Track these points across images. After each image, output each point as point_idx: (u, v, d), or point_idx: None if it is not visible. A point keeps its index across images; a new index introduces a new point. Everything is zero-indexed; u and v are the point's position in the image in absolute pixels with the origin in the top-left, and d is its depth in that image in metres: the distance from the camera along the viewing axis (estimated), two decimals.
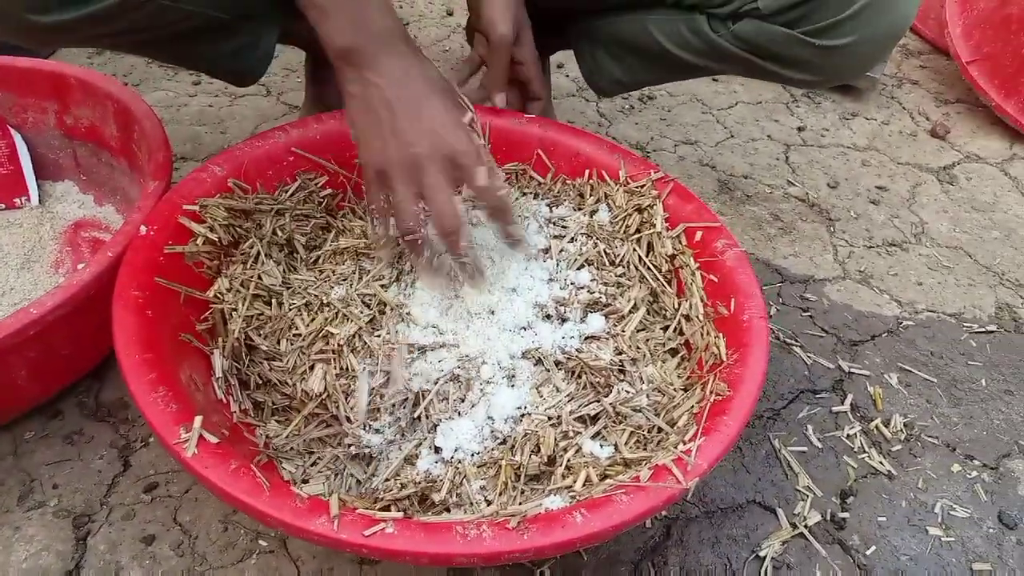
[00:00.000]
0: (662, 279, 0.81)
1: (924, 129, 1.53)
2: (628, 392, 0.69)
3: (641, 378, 0.71)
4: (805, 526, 0.82)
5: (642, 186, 0.86)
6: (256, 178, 0.81)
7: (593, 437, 0.67)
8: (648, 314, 0.79)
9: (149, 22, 0.76)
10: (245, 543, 0.74)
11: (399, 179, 0.66)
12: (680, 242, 0.83)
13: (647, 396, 0.69)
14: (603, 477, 0.62)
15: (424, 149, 0.65)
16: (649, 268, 0.81)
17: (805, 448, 0.90)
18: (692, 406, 0.68)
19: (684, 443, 0.61)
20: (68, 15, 0.69)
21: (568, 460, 0.64)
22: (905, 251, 1.22)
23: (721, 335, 0.73)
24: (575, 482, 0.63)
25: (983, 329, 1.09)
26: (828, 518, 0.83)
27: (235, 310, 0.73)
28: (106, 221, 1.03)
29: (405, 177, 0.66)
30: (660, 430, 0.67)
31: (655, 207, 0.84)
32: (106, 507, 0.76)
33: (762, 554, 0.79)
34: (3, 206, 1.01)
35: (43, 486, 0.78)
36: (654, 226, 0.83)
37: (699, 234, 0.82)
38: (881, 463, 0.89)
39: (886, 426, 0.94)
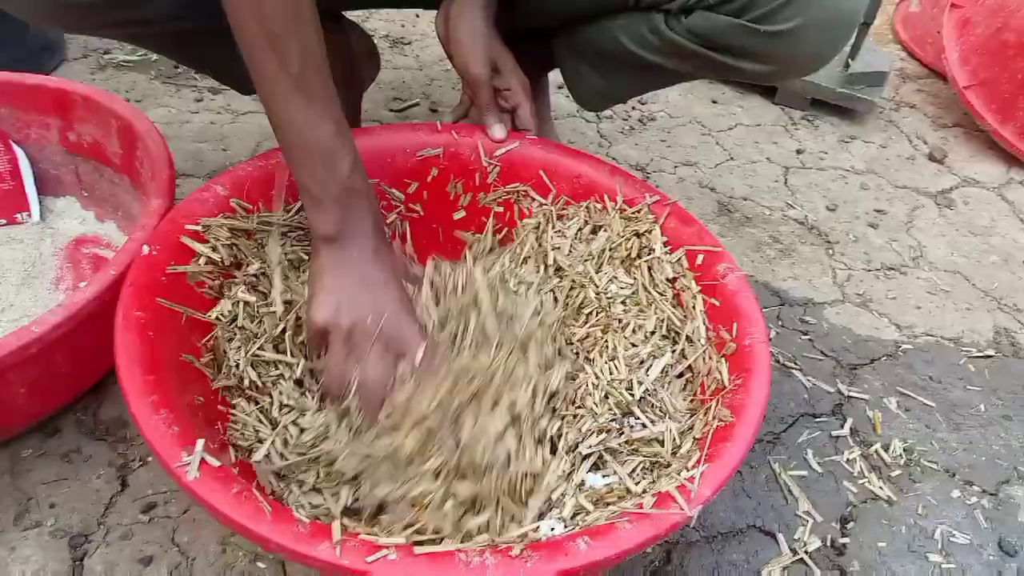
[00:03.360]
0: (669, 307, 0.81)
1: (922, 153, 1.54)
2: (642, 423, 0.69)
3: (652, 406, 0.71)
4: (805, 551, 0.81)
5: (638, 211, 0.86)
6: (258, 198, 0.81)
7: (592, 469, 0.67)
8: (661, 339, 0.79)
9: (174, 11, 0.81)
10: (243, 565, 0.74)
11: (339, 343, 0.68)
12: (681, 265, 0.83)
13: (657, 424, 0.70)
14: (605, 504, 0.62)
15: (373, 324, 0.68)
16: (660, 296, 0.82)
17: (805, 472, 0.90)
18: (695, 432, 0.68)
19: (687, 470, 0.61)
20: None
21: (564, 497, 0.64)
22: (904, 275, 1.23)
23: (723, 360, 0.73)
24: (563, 508, 0.63)
25: (981, 354, 1.09)
26: (828, 544, 0.83)
27: (232, 339, 0.73)
28: (107, 237, 1.02)
29: (345, 343, 0.68)
30: (664, 457, 0.67)
31: (653, 232, 0.85)
32: (103, 527, 0.76)
33: None
34: (4, 221, 1.01)
35: (40, 505, 0.77)
36: (653, 251, 0.84)
37: (700, 257, 0.82)
38: (881, 488, 0.89)
39: (886, 451, 0.94)
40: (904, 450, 0.94)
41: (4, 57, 1.26)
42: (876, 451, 0.94)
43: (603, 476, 0.66)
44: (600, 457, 0.68)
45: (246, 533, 0.54)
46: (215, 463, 0.57)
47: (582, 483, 0.65)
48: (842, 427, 0.96)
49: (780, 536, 0.83)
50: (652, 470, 0.67)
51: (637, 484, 0.65)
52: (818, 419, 0.97)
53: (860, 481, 0.90)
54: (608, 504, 0.63)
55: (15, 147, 1.01)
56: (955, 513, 0.88)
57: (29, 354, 0.70)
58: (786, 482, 0.89)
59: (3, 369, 0.70)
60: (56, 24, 0.83)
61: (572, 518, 0.63)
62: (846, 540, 0.84)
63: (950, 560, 0.83)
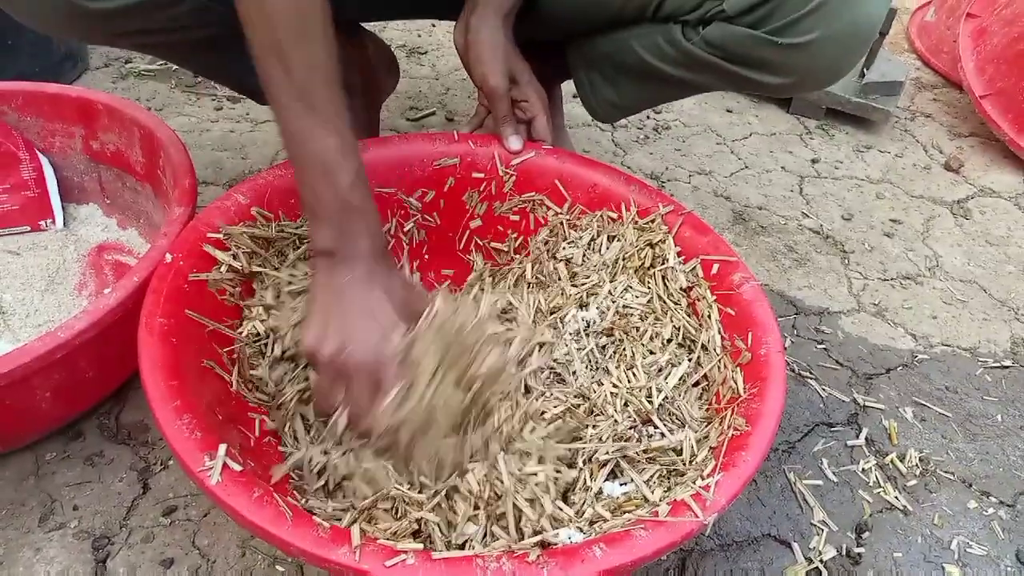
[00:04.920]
0: (684, 315, 0.81)
1: (938, 162, 1.54)
2: (661, 432, 0.70)
3: (670, 414, 0.72)
4: (821, 561, 0.81)
5: (652, 221, 0.87)
6: (278, 207, 0.82)
7: (610, 477, 0.67)
8: (677, 348, 0.80)
9: (189, 20, 0.83)
10: (263, 568, 0.75)
11: (324, 367, 0.68)
12: (696, 275, 0.83)
13: (676, 433, 0.70)
14: (622, 512, 0.63)
15: (356, 357, 0.66)
16: (675, 306, 0.82)
17: (820, 482, 0.90)
18: (711, 440, 0.68)
19: (703, 478, 0.62)
20: (113, 3, 0.76)
21: (584, 503, 0.65)
22: (919, 284, 1.22)
23: (739, 369, 0.73)
24: (581, 516, 0.64)
25: (998, 364, 1.09)
26: (844, 553, 0.83)
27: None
28: (129, 244, 1.04)
29: (329, 368, 0.67)
30: (680, 465, 0.68)
31: (666, 242, 0.85)
32: (125, 529, 0.77)
33: None
34: (29, 228, 1.03)
35: (64, 507, 0.78)
36: (666, 260, 0.84)
37: (716, 267, 0.82)
38: (896, 498, 0.89)
39: (901, 460, 0.93)
40: (920, 460, 0.94)
41: (28, 67, 1.28)
42: (892, 461, 0.93)
43: (620, 484, 0.67)
44: (617, 465, 0.68)
45: (267, 536, 0.55)
46: (237, 467, 0.58)
47: (600, 491, 0.66)
48: (857, 436, 0.96)
49: (795, 545, 0.83)
50: (668, 478, 0.67)
51: (653, 492, 0.65)
52: (833, 428, 0.97)
53: (876, 491, 0.90)
54: (625, 512, 0.63)
55: (40, 155, 1.03)
56: (972, 524, 0.88)
57: (55, 359, 0.72)
58: (801, 491, 0.89)
59: (29, 373, 0.71)
60: (67, 32, 0.84)
61: (590, 526, 0.63)
62: (861, 550, 0.84)
63: (967, 571, 0.83)
